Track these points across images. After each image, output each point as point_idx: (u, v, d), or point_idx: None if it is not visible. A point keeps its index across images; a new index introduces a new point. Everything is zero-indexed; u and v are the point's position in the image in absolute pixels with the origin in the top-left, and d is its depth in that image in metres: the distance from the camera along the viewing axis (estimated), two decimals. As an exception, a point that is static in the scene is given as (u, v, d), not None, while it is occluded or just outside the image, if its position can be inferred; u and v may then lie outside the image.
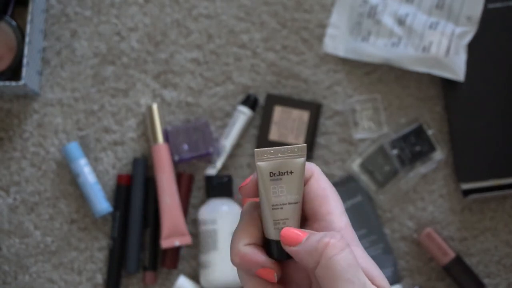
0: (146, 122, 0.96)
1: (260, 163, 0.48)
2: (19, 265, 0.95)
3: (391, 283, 0.90)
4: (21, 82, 0.91)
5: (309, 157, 0.94)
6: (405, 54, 0.92)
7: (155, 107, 0.95)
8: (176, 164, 0.95)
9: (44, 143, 0.97)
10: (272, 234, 0.48)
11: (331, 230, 0.47)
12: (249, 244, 0.48)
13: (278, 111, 0.94)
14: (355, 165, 0.94)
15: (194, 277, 0.94)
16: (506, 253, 0.93)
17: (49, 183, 0.96)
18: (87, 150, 0.96)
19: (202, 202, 0.95)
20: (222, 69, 0.97)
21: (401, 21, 0.93)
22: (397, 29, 0.93)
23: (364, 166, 0.93)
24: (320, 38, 0.97)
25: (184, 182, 0.95)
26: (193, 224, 0.95)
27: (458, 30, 0.92)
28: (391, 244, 0.94)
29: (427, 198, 0.94)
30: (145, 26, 0.98)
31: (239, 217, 0.92)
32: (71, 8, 0.99)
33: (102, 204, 0.93)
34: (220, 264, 0.89)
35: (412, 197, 0.94)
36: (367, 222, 0.93)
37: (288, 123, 0.94)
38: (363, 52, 0.94)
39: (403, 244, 0.94)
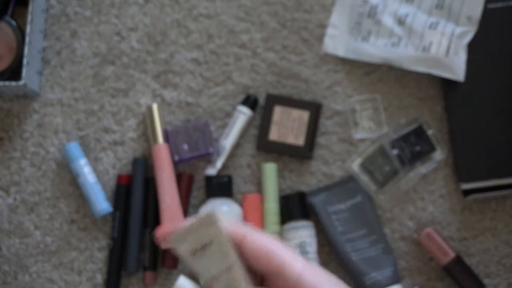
0: (146, 122, 0.96)
1: (178, 249, 0.47)
2: (19, 265, 0.95)
3: (391, 283, 0.90)
4: (21, 82, 0.91)
5: (309, 157, 0.94)
6: (405, 54, 0.92)
7: (155, 107, 0.95)
8: (176, 164, 0.95)
9: (44, 143, 0.97)
10: None
11: (290, 281, 0.45)
12: None
13: (278, 111, 0.94)
14: (355, 165, 0.94)
15: (194, 277, 0.94)
16: (506, 253, 0.93)
17: (49, 183, 0.96)
18: (87, 150, 0.96)
19: (202, 202, 0.95)
20: (222, 69, 0.97)
21: (401, 21, 0.93)
22: (397, 29, 0.93)
23: (364, 166, 0.93)
24: (320, 38, 0.97)
25: (184, 182, 0.95)
26: (193, 224, 0.95)
27: (458, 30, 0.92)
28: (391, 244, 0.93)
29: (427, 198, 0.94)
30: (145, 26, 0.98)
31: (239, 217, 0.92)
32: (71, 8, 0.99)
33: (102, 204, 0.93)
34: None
35: (412, 197, 0.94)
36: (367, 222, 0.93)
37: (288, 123, 0.94)
38: (363, 52, 0.94)
39: (403, 244, 0.94)
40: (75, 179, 0.96)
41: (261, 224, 0.92)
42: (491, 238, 0.94)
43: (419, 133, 0.93)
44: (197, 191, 0.96)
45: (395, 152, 0.92)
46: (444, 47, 0.91)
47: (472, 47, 0.92)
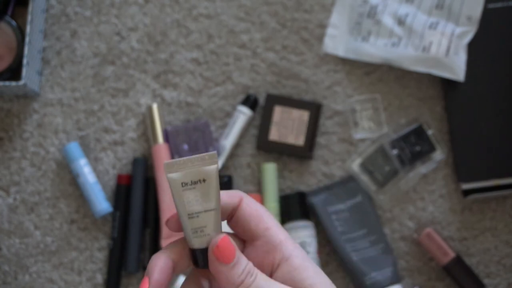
0: (146, 122, 0.96)
1: (170, 175, 0.48)
2: (19, 265, 0.95)
3: (391, 283, 0.90)
4: (21, 82, 0.91)
5: (309, 157, 0.94)
6: (405, 54, 0.92)
7: (155, 107, 0.95)
8: (176, 164, 0.95)
9: (44, 143, 0.97)
10: (191, 243, 0.49)
11: (272, 244, 0.50)
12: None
13: (278, 111, 0.94)
14: (355, 165, 0.94)
15: (194, 277, 0.94)
16: (506, 253, 0.93)
17: (49, 183, 0.96)
18: (87, 150, 0.96)
19: (202, 202, 0.95)
20: (222, 69, 0.97)
21: (401, 21, 0.93)
22: (397, 29, 0.93)
23: (364, 166, 0.93)
24: (320, 38, 0.97)
25: (184, 182, 0.95)
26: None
27: (458, 30, 0.92)
28: (391, 244, 0.93)
29: (427, 198, 0.94)
30: (145, 26, 0.98)
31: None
32: (71, 8, 0.99)
33: (102, 204, 0.93)
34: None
35: (412, 197, 0.94)
36: (367, 222, 0.93)
37: (288, 123, 0.94)
38: (363, 52, 0.94)
39: (403, 244, 0.94)
40: (75, 179, 0.96)
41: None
42: (491, 238, 0.94)
43: (419, 133, 0.93)
44: (197, 191, 0.96)
45: (395, 152, 0.92)
46: (444, 47, 0.91)
47: (472, 47, 0.92)
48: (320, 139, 0.95)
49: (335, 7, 0.97)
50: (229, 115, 0.96)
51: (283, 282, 0.49)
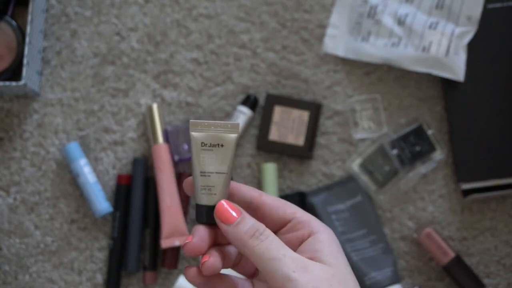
0: (146, 122, 0.96)
1: (193, 133, 0.52)
2: (19, 265, 0.95)
3: (391, 283, 0.90)
4: (21, 82, 0.91)
5: (309, 157, 0.94)
6: (405, 54, 0.92)
7: (155, 107, 0.95)
8: (176, 164, 0.95)
9: (44, 143, 0.97)
10: (199, 199, 0.53)
11: (301, 223, 0.54)
12: None
13: (278, 111, 0.94)
14: (355, 165, 0.94)
15: (194, 277, 0.94)
16: (506, 253, 0.93)
17: (49, 183, 0.96)
18: (87, 150, 0.96)
19: (202, 202, 0.95)
20: (222, 69, 0.97)
21: (401, 21, 0.93)
22: (397, 29, 0.93)
23: (364, 166, 0.93)
24: (320, 38, 0.97)
25: (184, 182, 0.95)
26: (193, 224, 0.95)
27: (458, 30, 0.92)
28: (391, 244, 0.94)
29: (427, 198, 0.94)
30: (145, 26, 0.98)
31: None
32: (71, 8, 0.99)
33: (102, 204, 0.93)
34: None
35: (412, 197, 0.94)
36: (367, 222, 0.93)
37: (288, 123, 0.94)
38: (363, 52, 0.94)
39: (403, 244, 0.94)
40: (75, 179, 0.96)
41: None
42: (491, 238, 0.94)
43: (419, 133, 0.93)
44: (197, 191, 0.96)
45: (395, 152, 0.92)
46: (444, 47, 0.91)
47: (472, 47, 0.92)
48: (320, 139, 0.96)
49: (335, 7, 0.97)
50: (229, 115, 0.96)
51: (305, 251, 0.52)
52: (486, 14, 0.93)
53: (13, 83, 0.91)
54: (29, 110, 0.97)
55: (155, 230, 0.95)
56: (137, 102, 0.97)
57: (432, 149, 0.93)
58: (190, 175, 0.94)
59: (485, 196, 0.92)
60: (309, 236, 0.53)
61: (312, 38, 0.97)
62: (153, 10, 0.98)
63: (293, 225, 0.54)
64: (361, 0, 0.96)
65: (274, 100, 0.94)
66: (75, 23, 0.99)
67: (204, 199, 0.52)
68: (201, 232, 0.53)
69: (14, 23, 0.94)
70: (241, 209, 0.52)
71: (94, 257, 0.95)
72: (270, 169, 0.93)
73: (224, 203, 0.52)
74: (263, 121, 0.94)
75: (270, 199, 0.55)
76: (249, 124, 0.96)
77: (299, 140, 0.94)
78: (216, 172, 0.52)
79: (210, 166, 0.52)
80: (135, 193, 0.94)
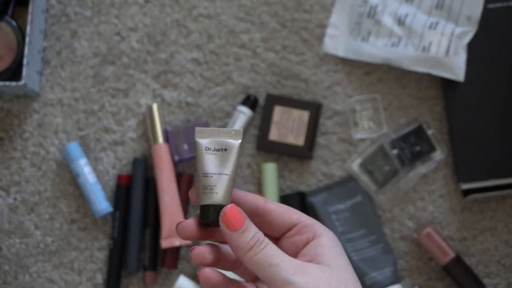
0: (146, 122, 0.96)
1: (199, 140, 0.54)
2: (19, 265, 0.95)
3: (391, 283, 0.90)
4: (21, 82, 0.91)
5: (309, 157, 0.94)
6: (405, 54, 0.92)
7: (155, 107, 0.95)
8: (176, 164, 0.95)
9: (44, 143, 0.97)
10: (202, 200, 0.54)
11: (305, 227, 0.55)
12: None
13: (278, 111, 0.94)
14: (355, 165, 0.94)
15: (194, 277, 0.95)
16: (506, 253, 0.93)
17: (49, 183, 0.96)
18: (87, 150, 0.96)
19: (202, 202, 0.95)
20: (222, 69, 0.97)
21: (401, 21, 0.93)
22: (397, 29, 0.93)
23: (364, 166, 0.93)
24: (320, 38, 0.97)
25: (184, 182, 0.95)
26: (193, 224, 0.95)
27: (458, 30, 0.92)
28: (391, 244, 0.94)
29: (427, 198, 0.94)
30: (145, 26, 0.98)
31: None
32: (71, 8, 0.99)
33: (102, 204, 0.94)
34: (220, 264, 0.89)
35: (412, 197, 0.94)
36: (367, 222, 0.93)
37: (288, 123, 0.94)
38: (363, 52, 0.94)
39: (403, 244, 0.94)
40: (75, 179, 0.96)
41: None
42: (491, 238, 0.94)
43: (419, 133, 0.93)
44: (197, 191, 0.96)
45: (395, 152, 0.93)
46: (444, 47, 0.91)
47: (472, 47, 0.92)
48: (320, 139, 0.96)
49: (335, 7, 0.97)
50: (229, 115, 0.96)
51: (307, 254, 0.54)
52: (486, 14, 0.93)
53: (13, 83, 0.91)
54: (29, 110, 0.97)
55: (155, 230, 0.95)
56: (137, 102, 0.97)
57: (432, 149, 0.93)
58: (190, 175, 0.95)
59: (485, 196, 0.92)
60: (313, 239, 0.55)
61: (312, 38, 0.97)
62: (153, 10, 0.98)
63: (298, 229, 0.55)
64: (361, 0, 0.96)
65: (274, 100, 0.94)
66: (75, 23, 0.99)
67: (206, 199, 0.53)
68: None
69: (14, 23, 0.94)
70: (245, 216, 0.53)
71: (94, 257, 0.95)
72: (270, 169, 0.93)
73: (230, 209, 0.53)
74: (263, 121, 0.94)
75: (276, 206, 0.56)
76: (249, 124, 0.96)
77: (299, 140, 0.94)
78: (219, 173, 0.54)
79: (212, 168, 0.54)
80: (135, 193, 0.94)
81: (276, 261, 0.51)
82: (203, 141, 0.54)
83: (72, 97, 0.97)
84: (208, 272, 0.53)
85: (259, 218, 0.56)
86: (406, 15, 0.93)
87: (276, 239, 0.57)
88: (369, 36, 0.95)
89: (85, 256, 0.95)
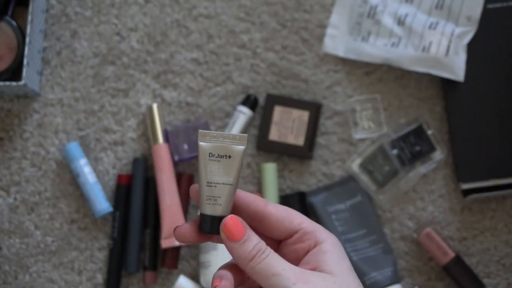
0: (146, 122, 0.96)
1: (201, 143, 0.53)
2: (19, 265, 0.95)
3: (391, 283, 0.90)
4: (22, 82, 0.91)
5: (309, 157, 0.94)
6: (405, 54, 0.92)
7: (155, 107, 0.95)
8: (176, 164, 0.95)
9: (44, 143, 0.97)
10: (203, 209, 0.53)
11: (307, 233, 0.54)
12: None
13: (278, 111, 0.94)
14: (355, 165, 0.94)
15: (194, 277, 0.95)
16: (506, 253, 0.93)
17: (49, 183, 0.96)
18: (87, 150, 0.96)
19: (202, 202, 0.95)
20: (222, 69, 0.97)
21: (401, 21, 0.93)
22: (397, 29, 0.93)
23: (364, 166, 0.93)
24: (320, 38, 0.97)
25: (184, 182, 0.95)
26: (193, 224, 0.95)
27: (458, 30, 0.92)
28: (391, 244, 0.94)
29: (427, 198, 0.94)
30: (145, 26, 0.98)
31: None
32: (71, 8, 0.99)
33: (102, 204, 0.94)
34: (220, 264, 0.90)
35: (412, 197, 0.94)
36: (367, 222, 0.93)
37: (288, 123, 0.94)
38: (363, 52, 0.94)
39: (403, 244, 0.94)
40: (75, 179, 0.96)
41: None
42: (491, 238, 0.94)
43: (419, 133, 0.93)
44: (197, 191, 0.96)
45: (395, 152, 0.93)
46: (444, 47, 0.91)
47: (472, 47, 0.92)
48: (320, 139, 0.96)
49: (335, 7, 0.97)
50: (229, 115, 0.96)
51: (309, 262, 0.53)
52: (486, 14, 0.93)
53: (13, 83, 0.91)
54: (29, 110, 0.97)
55: (155, 230, 0.95)
56: (137, 102, 0.97)
57: (432, 149, 0.93)
58: (190, 175, 0.95)
59: (485, 196, 0.92)
60: (314, 246, 0.54)
61: (312, 38, 0.97)
62: (153, 10, 0.98)
63: (300, 236, 0.55)
64: (361, 0, 0.96)
65: (274, 100, 0.94)
66: (75, 23, 0.99)
67: (209, 209, 0.53)
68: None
69: (14, 23, 0.94)
70: (247, 226, 0.53)
71: (94, 257, 0.95)
72: (270, 169, 0.94)
73: (231, 219, 0.52)
74: (263, 121, 0.94)
75: (276, 210, 0.55)
76: (249, 124, 0.96)
77: (299, 140, 0.94)
78: (223, 183, 0.53)
79: (216, 176, 0.53)
80: (135, 193, 0.94)
81: (278, 270, 0.51)
82: (207, 146, 0.53)
83: (72, 97, 0.97)
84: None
85: (258, 223, 0.55)
86: (406, 15, 0.93)
87: (278, 242, 0.56)
88: (369, 36, 0.95)
89: (85, 256, 0.95)
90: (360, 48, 0.94)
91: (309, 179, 0.95)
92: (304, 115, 0.94)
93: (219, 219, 0.53)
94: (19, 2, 0.97)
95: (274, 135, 0.94)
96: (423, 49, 0.92)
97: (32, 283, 0.95)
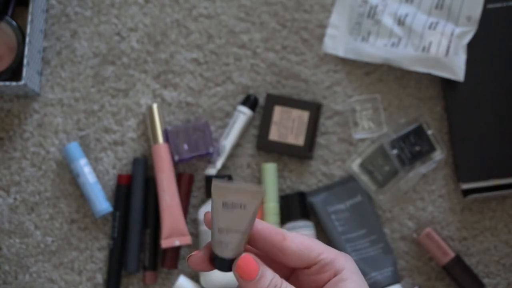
0: (146, 122, 0.96)
1: (215, 195, 0.51)
2: (19, 265, 0.95)
3: (391, 283, 0.90)
4: (22, 82, 0.91)
5: (309, 157, 0.94)
6: (405, 54, 0.92)
7: (155, 107, 0.95)
8: (176, 164, 0.95)
9: (44, 143, 0.97)
10: (215, 249, 0.52)
11: (325, 265, 0.53)
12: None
13: (278, 111, 0.94)
14: (355, 165, 0.94)
15: (194, 277, 0.95)
16: (506, 253, 0.93)
17: (49, 183, 0.96)
18: (87, 150, 0.96)
19: (202, 202, 0.96)
20: (222, 69, 0.97)
21: (400, 21, 0.93)
22: (397, 29, 0.93)
23: (364, 166, 0.93)
24: (320, 38, 0.97)
25: (184, 182, 0.95)
26: (193, 224, 0.95)
27: (458, 30, 0.92)
28: (391, 244, 0.94)
29: (427, 198, 0.94)
30: (145, 26, 0.98)
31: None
32: (71, 8, 0.99)
33: (102, 204, 0.94)
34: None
35: (412, 197, 0.94)
36: (367, 222, 0.93)
37: (288, 123, 0.94)
38: (363, 52, 0.94)
39: (403, 244, 0.94)
40: (75, 179, 0.96)
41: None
42: (491, 238, 0.94)
43: (419, 133, 0.93)
44: (197, 191, 0.96)
45: (395, 152, 0.93)
46: (444, 47, 0.91)
47: (472, 47, 0.92)
48: (320, 139, 0.96)
49: (335, 7, 0.97)
50: (229, 115, 0.96)
51: None
52: (486, 14, 0.93)
53: (13, 83, 0.91)
54: (29, 110, 0.97)
55: (155, 230, 0.95)
56: (137, 102, 0.97)
57: (432, 149, 0.93)
58: (190, 175, 0.95)
59: (485, 196, 0.92)
60: (335, 275, 0.53)
61: (312, 38, 0.97)
62: (153, 10, 0.98)
63: (319, 268, 0.53)
64: (361, 0, 0.96)
65: (274, 100, 0.94)
66: (75, 23, 0.99)
67: (220, 252, 0.52)
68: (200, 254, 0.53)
69: (14, 23, 0.94)
70: (260, 262, 0.52)
71: (94, 257, 0.95)
72: (270, 169, 0.94)
73: (242, 260, 0.51)
74: (263, 121, 0.94)
75: (293, 243, 0.53)
76: (249, 124, 0.96)
77: (299, 140, 0.94)
78: (234, 231, 0.51)
79: (228, 224, 0.51)
80: (135, 193, 0.94)
81: None
82: (220, 197, 0.51)
83: (72, 97, 0.97)
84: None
85: (275, 255, 0.54)
86: (406, 15, 0.93)
87: (292, 269, 0.55)
88: (369, 36, 0.95)
89: (85, 256, 0.95)
90: (360, 48, 0.94)
91: (309, 179, 0.95)
92: (304, 115, 0.94)
93: (231, 260, 0.52)
94: (19, 2, 0.97)
95: (274, 135, 0.94)
96: (423, 49, 0.92)
97: (32, 283, 0.95)
